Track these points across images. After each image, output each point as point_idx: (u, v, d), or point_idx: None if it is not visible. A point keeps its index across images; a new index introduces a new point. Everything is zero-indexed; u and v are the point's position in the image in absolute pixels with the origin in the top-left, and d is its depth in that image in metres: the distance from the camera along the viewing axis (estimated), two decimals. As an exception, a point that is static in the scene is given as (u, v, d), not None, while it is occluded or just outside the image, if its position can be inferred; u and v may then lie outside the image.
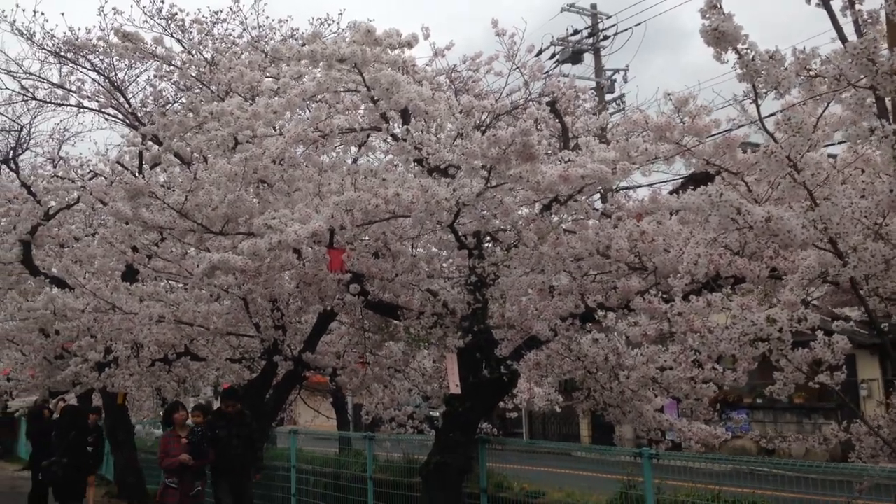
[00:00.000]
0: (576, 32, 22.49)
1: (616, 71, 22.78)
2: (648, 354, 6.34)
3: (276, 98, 5.80)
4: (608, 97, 21.19)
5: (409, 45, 5.49)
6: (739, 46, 3.54)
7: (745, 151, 4.98)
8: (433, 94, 5.48)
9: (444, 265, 7.66)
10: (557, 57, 22.10)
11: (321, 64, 5.41)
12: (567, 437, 23.02)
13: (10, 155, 11.51)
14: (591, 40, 22.74)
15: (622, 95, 21.33)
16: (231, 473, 8.41)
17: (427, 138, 6.47)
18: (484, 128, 6.20)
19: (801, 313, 3.71)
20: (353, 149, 8.30)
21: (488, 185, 5.05)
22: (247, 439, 8.57)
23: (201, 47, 8.20)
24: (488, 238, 6.62)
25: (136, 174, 12.12)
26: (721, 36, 3.46)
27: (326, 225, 5.11)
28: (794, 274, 4.23)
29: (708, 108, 5.03)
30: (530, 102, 7.37)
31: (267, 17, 8.56)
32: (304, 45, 5.35)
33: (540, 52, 10.31)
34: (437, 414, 12.71)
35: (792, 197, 4.43)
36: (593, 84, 21.09)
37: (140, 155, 11.78)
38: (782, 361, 4.10)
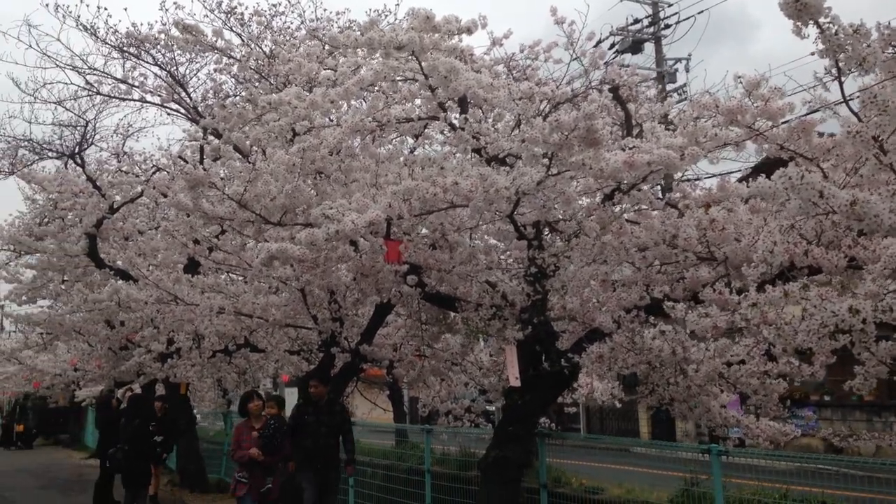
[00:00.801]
0: (636, 21, 22.03)
1: (678, 60, 22.25)
2: (717, 348, 6.14)
3: (335, 88, 5.75)
4: (669, 87, 20.70)
5: (469, 32, 5.37)
6: (821, 20, 3.34)
7: (821, 135, 4.73)
8: (491, 81, 5.36)
9: (502, 257, 7.54)
10: (617, 47, 21.69)
11: (379, 52, 5.35)
12: (626, 432, 22.67)
13: (77, 150, 11.78)
14: (651, 29, 22.25)
15: (684, 85, 20.81)
16: (317, 464, 7.81)
17: (485, 127, 6.38)
18: (544, 116, 6.06)
19: (888, 303, 3.48)
20: (410, 140, 8.27)
21: (549, 173, 4.90)
22: (336, 428, 8.03)
23: (260, 40, 8.23)
24: (547, 228, 6.48)
25: (196, 169, 12.42)
26: (803, 8, 3.26)
27: (384, 214, 5.03)
28: (876, 264, 3.99)
29: (781, 91, 4.79)
30: (591, 90, 7.18)
31: (325, 10, 8.55)
32: (361, 33, 5.28)
33: (599, 42, 10.07)
34: (493, 408, 12.56)
35: (872, 183, 4.18)
36: (654, 74, 20.63)
37: (201, 149, 11.95)
38: (864, 354, 3.88)
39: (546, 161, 4.81)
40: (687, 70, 21.56)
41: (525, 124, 4.83)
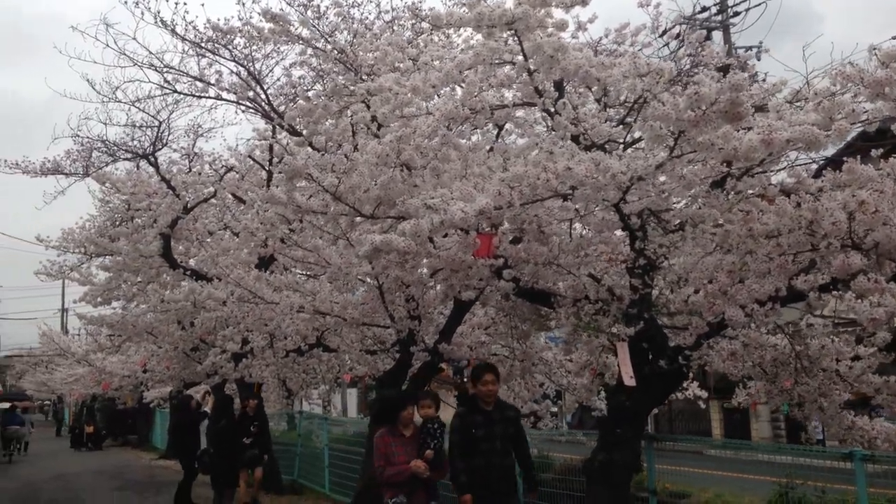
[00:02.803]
0: (704, 10, 21.38)
1: (748, 48, 21.51)
2: (836, 345, 5.71)
3: (434, 71, 5.49)
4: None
5: (584, 3, 5.06)
6: None
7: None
8: (603, 60, 5.02)
9: (590, 249, 7.19)
10: (682, 35, 21.05)
11: (481, 32, 5.06)
12: (697, 433, 22.00)
13: (150, 150, 11.79)
14: (719, 17, 21.56)
15: (755, 74, 20.06)
16: (495, 492, 5.72)
17: (583, 112, 6.05)
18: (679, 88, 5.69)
19: None
20: (493, 130, 7.98)
21: (672, 154, 4.55)
22: (512, 441, 5.93)
23: (337, 33, 8.03)
24: (652, 218, 6.12)
25: (266, 168, 12.37)
26: None
27: (493, 203, 4.74)
28: None
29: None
30: (694, 70, 6.80)
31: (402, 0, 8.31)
32: (468, 9, 4.99)
33: (665, 32, 9.64)
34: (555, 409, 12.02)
35: None
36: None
37: (270, 148, 11.89)
38: None
39: (671, 141, 4.45)
40: (758, 58, 20.79)
41: (646, 103, 4.47)
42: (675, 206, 5.98)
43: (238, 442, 9.85)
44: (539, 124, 7.73)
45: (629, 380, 5.27)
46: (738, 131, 4.39)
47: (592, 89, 6.87)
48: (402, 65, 6.90)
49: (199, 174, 12.31)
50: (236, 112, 12.65)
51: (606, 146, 5.75)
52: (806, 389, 5.24)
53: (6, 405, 30.36)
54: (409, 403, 6.29)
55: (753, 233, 4.71)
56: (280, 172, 5.57)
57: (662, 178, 5.26)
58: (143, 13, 8.74)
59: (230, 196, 13.17)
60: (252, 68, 9.52)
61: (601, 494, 5.85)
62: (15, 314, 61.16)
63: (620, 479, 5.87)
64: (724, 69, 6.20)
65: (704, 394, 11.93)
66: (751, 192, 5.55)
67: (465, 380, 15.22)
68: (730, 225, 4.87)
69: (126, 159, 12.48)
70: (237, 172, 12.86)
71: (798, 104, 5.64)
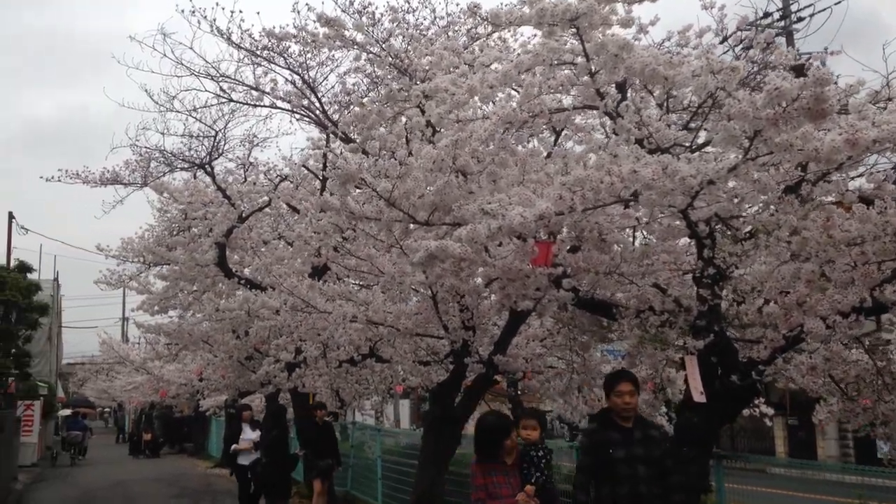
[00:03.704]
0: (766, 15, 20.78)
1: (810, 55, 20.82)
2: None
3: (491, 72, 5.32)
4: (805, 82, 19.32)
5: (650, -2, 4.83)
6: None
7: None
8: (671, 57, 4.78)
9: (655, 258, 6.91)
10: (745, 42, 20.50)
11: (542, 31, 4.87)
12: (759, 451, 21.27)
13: (207, 160, 11.89)
14: (782, 23, 20.94)
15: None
16: None
17: (646, 115, 5.80)
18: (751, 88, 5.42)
19: None
20: (551, 136, 7.77)
21: (747, 157, 4.27)
22: (660, 464, 4.85)
23: (392, 38, 7.93)
24: (719, 225, 5.83)
25: (320, 177, 12.36)
26: None
27: (554, 207, 4.53)
28: None
29: None
30: (763, 72, 6.48)
31: (457, 4, 8.18)
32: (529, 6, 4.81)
33: (726, 38, 9.30)
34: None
35: None
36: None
37: (324, 157, 11.87)
38: None
39: (747, 142, 4.18)
40: (823, 64, 20.11)
41: (726, 99, 4.21)
42: (746, 212, 5.69)
43: (286, 452, 9.78)
44: (598, 131, 7.50)
45: (699, 396, 4.98)
46: (818, 132, 4.11)
47: (654, 94, 6.62)
48: (457, 70, 6.76)
49: (255, 184, 12.36)
50: (291, 121, 12.71)
51: (672, 150, 5.50)
52: (891, 408, 4.88)
53: (68, 412, 31.22)
54: (508, 433, 5.31)
55: (834, 240, 4.39)
56: (333, 178, 5.44)
57: (732, 184, 4.99)
58: (199, 22, 8.80)
59: (284, 205, 13.21)
60: (307, 76, 9.51)
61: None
62: (77, 322, 62.81)
63: (688, 501, 5.56)
64: (798, 69, 5.87)
65: (771, 411, 11.46)
66: (828, 199, 5.24)
67: (520, 392, 14.96)
68: (807, 232, 4.55)
69: (183, 169, 12.63)
70: (291, 182, 12.88)
71: (880, 105, 5.31)
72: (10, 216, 24.41)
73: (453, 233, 5.44)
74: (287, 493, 9.73)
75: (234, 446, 12.27)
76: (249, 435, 12.18)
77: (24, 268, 16.03)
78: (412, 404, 33.42)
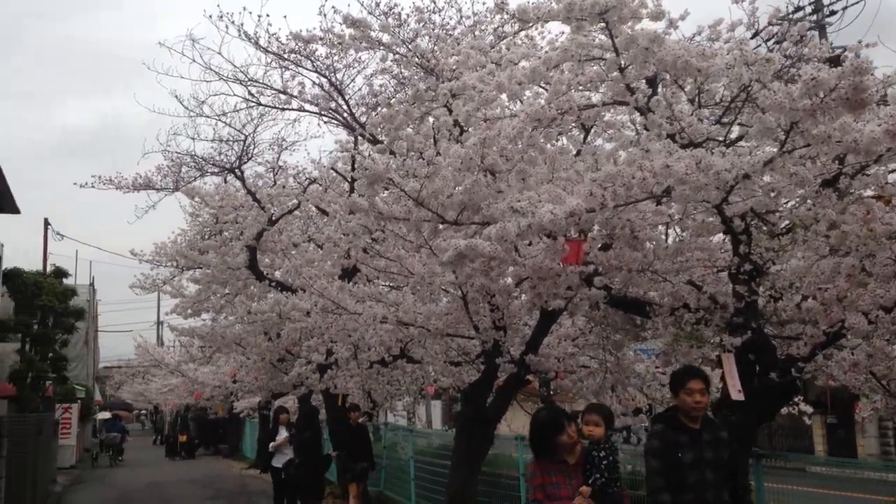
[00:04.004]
0: (798, 9, 20.43)
1: (844, 48, 20.44)
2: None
3: (520, 67, 5.26)
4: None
5: (681, -12, 4.74)
6: None
7: None
8: (704, 49, 4.69)
9: (687, 255, 6.81)
10: (776, 36, 20.18)
11: (572, 25, 4.81)
12: (798, 450, 20.90)
13: (237, 164, 11.97)
14: (814, 17, 20.57)
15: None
16: None
17: (678, 110, 5.70)
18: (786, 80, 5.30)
19: None
20: (580, 134, 7.69)
21: (783, 149, 4.17)
22: (727, 469, 4.54)
23: (418, 39, 7.91)
24: (755, 220, 5.72)
25: (348, 179, 12.39)
26: None
27: (585, 204, 4.46)
28: None
29: None
30: (797, 65, 6.35)
31: (483, 3, 8.13)
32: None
33: (757, 33, 9.12)
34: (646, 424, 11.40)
35: None
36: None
37: (352, 160, 11.90)
38: None
39: (783, 135, 4.08)
40: (858, 55, 19.72)
41: (760, 91, 4.11)
42: (782, 207, 5.57)
43: (319, 453, 9.78)
44: (627, 128, 7.41)
45: (737, 394, 4.88)
46: (857, 123, 4.00)
47: (686, 89, 6.52)
48: (484, 69, 6.72)
49: (284, 187, 12.42)
50: (319, 124, 12.75)
51: (705, 145, 5.40)
52: (937, 406, 4.75)
53: (107, 415, 31.77)
54: (563, 429, 4.78)
55: (874, 234, 4.27)
56: (361, 179, 5.42)
57: (767, 178, 4.88)
58: (227, 27, 8.86)
59: (314, 208, 13.28)
60: (334, 78, 9.52)
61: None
62: (113, 326, 63.84)
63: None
64: (833, 61, 5.72)
65: (810, 409, 11.25)
66: (867, 192, 5.11)
67: (552, 392, 14.84)
68: (846, 226, 4.44)
69: (213, 173, 12.73)
70: (320, 184, 12.93)
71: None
72: (46, 223, 24.84)
73: (482, 232, 5.41)
74: (321, 493, 9.73)
75: (271, 444, 12.37)
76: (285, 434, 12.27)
77: (59, 273, 16.29)
78: (444, 405, 33.40)
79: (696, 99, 6.38)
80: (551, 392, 14.97)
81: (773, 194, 4.51)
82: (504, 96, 5.28)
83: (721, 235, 6.24)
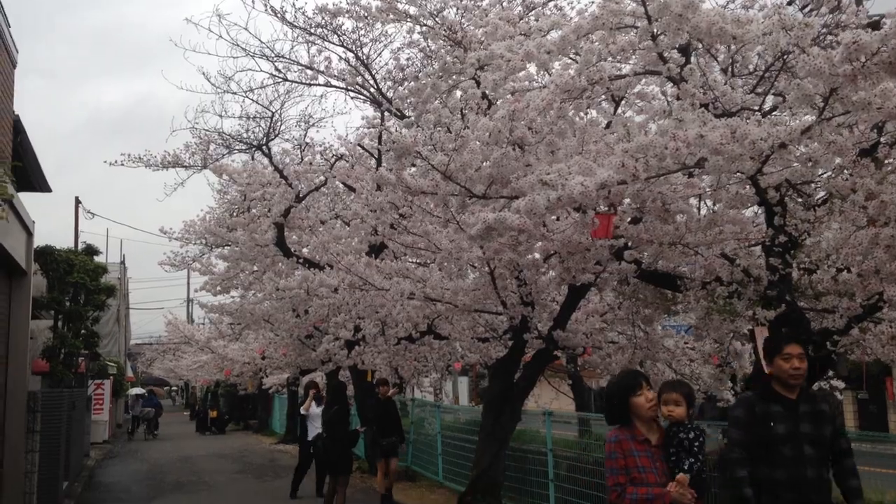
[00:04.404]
0: (832, -25, 19.93)
1: (882, 16, 19.92)
2: None
3: (549, 36, 5.17)
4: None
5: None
6: None
7: None
8: (738, 15, 4.56)
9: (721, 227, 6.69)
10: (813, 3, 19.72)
11: (601, -9, 4.71)
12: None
13: (264, 141, 11.98)
14: (849, -17, 20.08)
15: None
16: None
17: (712, 79, 5.58)
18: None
19: None
20: (610, 107, 7.57)
21: (822, 117, 4.06)
22: (826, 444, 4.04)
23: (445, 10, 7.80)
24: (790, 192, 5.60)
25: (375, 156, 12.37)
26: None
27: (617, 176, 4.39)
28: None
29: None
30: (836, 30, 6.15)
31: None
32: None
33: (792, 2, 8.88)
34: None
35: None
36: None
37: (379, 135, 11.86)
38: None
39: (821, 102, 3.97)
40: (895, 25, 19.22)
41: (799, 57, 3.99)
42: (818, 178, 5.45)
43: (346, 428, 9.80)
44: (657, 99, 7.28)
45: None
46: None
47: (719, 59, 6.38)
48: (513, 39, 6.62)
49: (311, 164, 12.41)
50: (345, 100, 12.73)
51: (739, 115, 5.29)
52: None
53: (141, 390, 32.50)
54: (641, 387, 4.11)
55: (916, 203, 4.16)
56: (389, 151, 5.39)
57: (802, 148, 4.77)
58: (253, 1, 8.80)
59: (340, 185, 13.27)
60: (360, 53, 9.45)
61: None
62: (143, 304, 64.79)
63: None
64: (874, 26, 5.55)
65: (841, 384, 11.08)
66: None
67: (579, 368, 14.81)
68: (885, 196, 4.32)
69: (241, 151, 12.75)
70: (347, 161, 12.91)
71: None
72: (77, 201, 25.14)
73: (510, 205, 5.35)
74: (348, 468, 9.77)
75: (301, 408, 12.55)
76: (315, 410, 12.39)
77: (91, 251, 16.44)
78: (470, 381, 33.51)
79: (730, 68, 6.24)
80: (578, 368, 14.96)
81: (809, 164, 4.39)
82: (532, 67, 5.18)
83: (754, 208, 6.13)
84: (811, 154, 4.31)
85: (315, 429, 12.34)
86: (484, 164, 5.62)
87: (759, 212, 6.27)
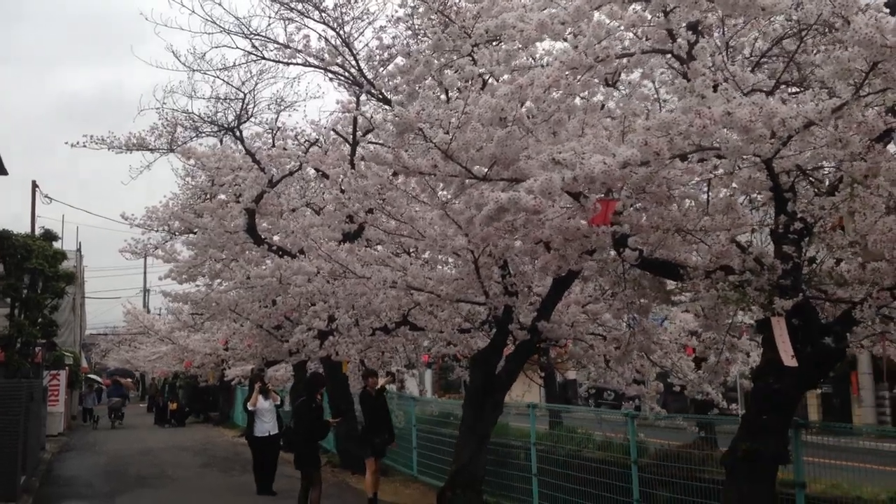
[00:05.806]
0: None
1: None
2: None
3: (562, 8, 4.89)
4: None
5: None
6: None
7: None
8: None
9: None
10: None
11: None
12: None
13: (235, 124, 11.52)
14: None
15: None
16: None
17: (720, 59, 5.38)
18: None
19: None
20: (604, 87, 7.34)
21: (857, 94, 3.85)
22: None
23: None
24: (799, 177, 5.43)
25: (350, 142, 11.99)
26: None
27: (640, 154, 4.14)
28: None
29: None
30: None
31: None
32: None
33: None
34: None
35: None
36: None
37: (354, 121, 11.48)
38: None
39: (857, 79, 3.76)
40: None
41: (842, 27, 3.77)
42: (829, 164, 5.27)
43: (313, 421, 9.37)
44: (644, 86, 7.07)
45: (790, 360, 4.60)
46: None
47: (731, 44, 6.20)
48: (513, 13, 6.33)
49: (285, 148, 11.97)
50: (318, 84, 12.34)
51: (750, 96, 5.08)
52: None
53: (96, 377, 32.51)
54: None
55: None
56: (388, 127, 5.06)
57: (829, 129, 4.57)
58: (231, -27, 8.36)
59: (312, 171, 12.87)
60: (342, 31, 9.06)
61: (744, 488, 5.20)
62: (99, 293, 63.24)
63: (765, 472, 5.22)
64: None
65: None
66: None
67: (552, 360, 14.63)
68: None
69: (210, 134, 12.28)
70: (320, 147, 12.51)
71: None
72: (34, 185, 24.26)
73: (514, 187, 5.08)
74: (316, 462, 9.27)
75: (248, 405, 12.15)
76: (263, 404, 12.02)
77: (49, 236, 15.80)
78: (434, 374, 33.32)
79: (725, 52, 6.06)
80: (549, 360, 14.78)
81: (839, 145, 4.18)
82: (541, 44, 4.89)
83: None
84: (841, 134, 4.10)
85: (263, 424, 11.94)
86: (487, 144, 5.33)
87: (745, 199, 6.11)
